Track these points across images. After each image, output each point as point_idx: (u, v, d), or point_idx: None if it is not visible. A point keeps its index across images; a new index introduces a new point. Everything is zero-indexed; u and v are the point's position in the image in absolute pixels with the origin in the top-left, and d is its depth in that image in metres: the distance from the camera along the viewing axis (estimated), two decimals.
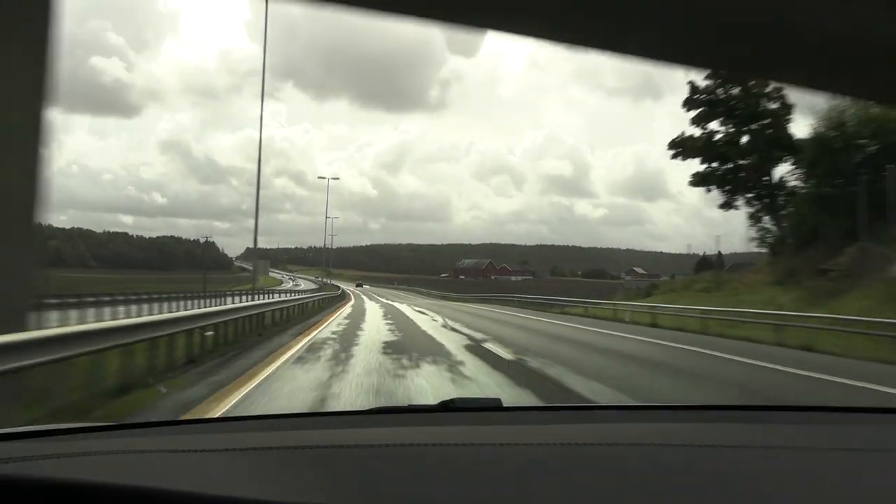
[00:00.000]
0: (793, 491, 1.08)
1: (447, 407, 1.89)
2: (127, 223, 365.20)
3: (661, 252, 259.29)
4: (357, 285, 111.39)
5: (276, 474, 1.11)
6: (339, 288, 62.70)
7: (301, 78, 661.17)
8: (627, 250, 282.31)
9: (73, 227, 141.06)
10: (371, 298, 48.89)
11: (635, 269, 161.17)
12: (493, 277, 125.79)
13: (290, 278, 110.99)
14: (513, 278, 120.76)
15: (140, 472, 1.08)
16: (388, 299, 47.61)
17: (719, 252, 61.29)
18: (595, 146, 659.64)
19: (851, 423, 1.91)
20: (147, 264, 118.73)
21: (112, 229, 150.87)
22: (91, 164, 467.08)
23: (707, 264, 52.24)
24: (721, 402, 4.01)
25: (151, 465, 1.17)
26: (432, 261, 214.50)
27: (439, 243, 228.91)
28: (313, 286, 63.89)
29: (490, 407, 1.99)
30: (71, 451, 1.18)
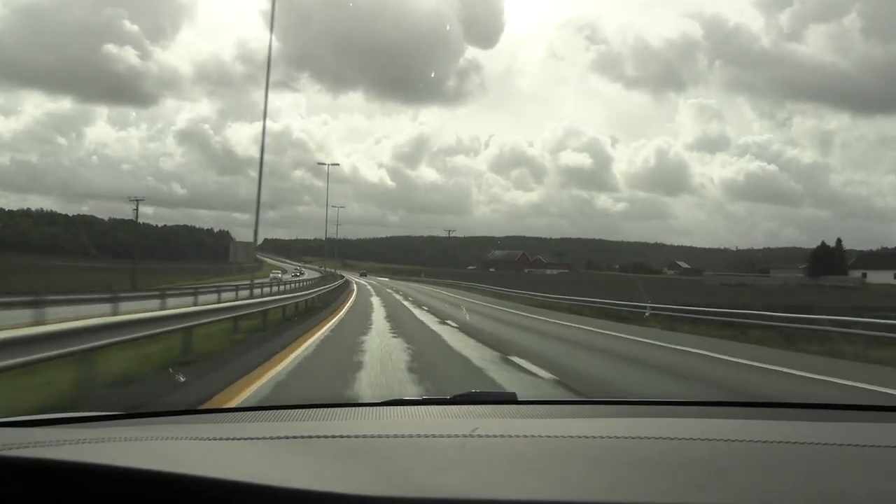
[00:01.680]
0: (796, 484, 1.09)
1: (462, 399, 1.91)
2: (147, 213, 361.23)
3: (693, 246, 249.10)
4: (361, 274, 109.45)
5: (294, 462, 1.13)
6: (342, 278, 59.44)
7: (317, 68, 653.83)
8: (656, 244, 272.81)
9: (76, 214, 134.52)
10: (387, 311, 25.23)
11: (678, 262, 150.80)
12: (526, 270, 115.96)
13: (296, 269, 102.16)
14: (548, 271, 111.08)
15: (159, 458, 1.09)
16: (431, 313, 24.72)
17: (839, 245, 51.32)
18: (615, 139, 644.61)
19: (857, 420, 1.98)
20: (153, 254, 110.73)
21: (121, 217, 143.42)
22: (111, 155, 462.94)
23: (825, 260, 42.14)
24: None
25: (170, 451, 1.19)
26: (454, 253, 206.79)
27: (461, 235, 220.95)
28: (308, 279, 57.82)
29: (505, 400, 1.99)
30: (90, 437, 1.21)
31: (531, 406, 2.11)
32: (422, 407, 1.99)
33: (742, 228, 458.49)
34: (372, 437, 1.37)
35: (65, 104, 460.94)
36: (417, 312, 24.46)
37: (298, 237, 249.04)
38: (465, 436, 1.36)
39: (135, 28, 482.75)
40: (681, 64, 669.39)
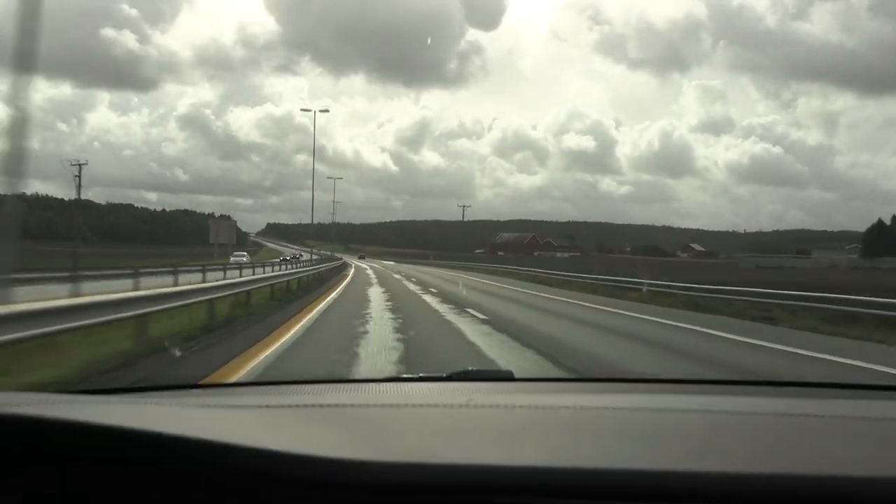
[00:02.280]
0: (799, 454, 1.10)
1: (459, 377, 1.92)
2: (151, 199, 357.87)
3: (700, 229, 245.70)
4: (360, 257, 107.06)
5: (289, 428, 1.15)
6: (339, 260, 57.07)
7: (317, 51, 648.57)
8: (664, 227, 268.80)
9: (72, 199, 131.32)
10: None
11: (692, 245, 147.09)
12: (536, 254, 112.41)
13: (294, 253, 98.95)
14: (558, 254, 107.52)
15: (153, 421, 1.09)
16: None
17: None
18: (619, 121, 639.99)
19: (851, 397, 2.01)
20: (152, 238, 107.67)
21: (128, 203, 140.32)
22: (113, 141, 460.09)
23: (881, 240, 38.49)
24: None
25: (165, 416, 1.20)
26: (460, 236, 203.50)
27: (466, 219, 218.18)
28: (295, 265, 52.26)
29: (502, 377, 2.02)
30: (87, 402, 1.26)
31: (527, 383, 2.15)
32: (419, 384, 2.00)
33: (746, 211, 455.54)
34: (367, 406, 1.41)
35: (65, 89, 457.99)
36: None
37: (302, 221, 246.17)
38: (459, 406, 1.38)
39: (133, 12, 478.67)
40: (685, 44, 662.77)
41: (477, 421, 1.29)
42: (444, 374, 2.00)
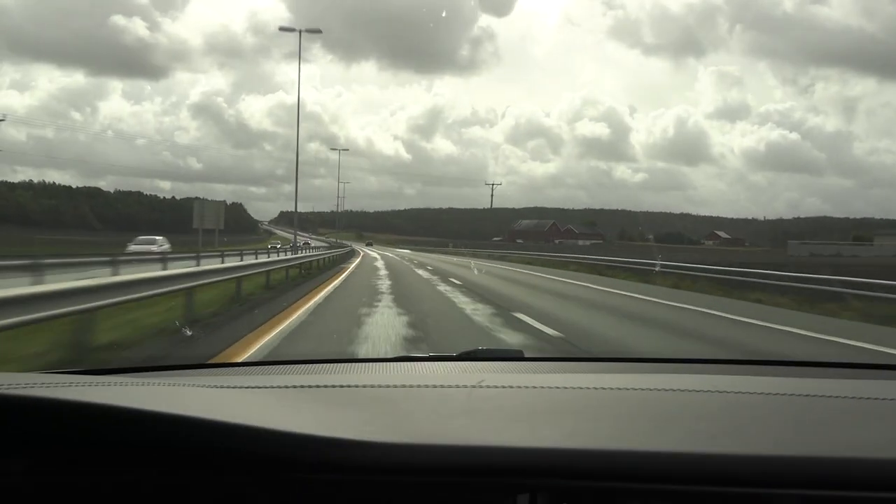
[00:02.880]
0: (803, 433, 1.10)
1: (468, 356, 1.89)
2: (165, 188, 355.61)
3: (719, 216, 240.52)
4: (367, 244, 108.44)
5: (300, 409, 1.14)
6: (347, 247, 53.90)
7: (328, 37, 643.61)
8: (682, 214, 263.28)
9: (79, 186, 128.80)
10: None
11: (717, 232, 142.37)
12: (557, 241, 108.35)
13: (304, 241, 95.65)
14: (580, 242, 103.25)
15: (165, 402, 1.09)
16: None
17: None
18: (633, 108, 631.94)
19: (867, 377, 1.97)
20: (158, 226, 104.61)
21: (137, 191, 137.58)
22: (126, 129, 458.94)
23: None
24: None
25: (177, 396, 1.19)
26: (474, 224, 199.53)
27: (480, 207, 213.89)
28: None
29: (511, 357, 2.00)
30: (98, 382, 1.22)
31: (537, 362, 2.13)
32: (429, 363, 1.97)
33: (763, 198, 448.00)
34: (378, 386, 1.39)
35: (78, 78, 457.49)
36: None
37: (315, 209, 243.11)
38: (471, 386, 1.36)
39: (143, 0, 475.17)
40: (700, 29, 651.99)
41: (490, 402, 1.27)
42: (455, 354, 1.92)
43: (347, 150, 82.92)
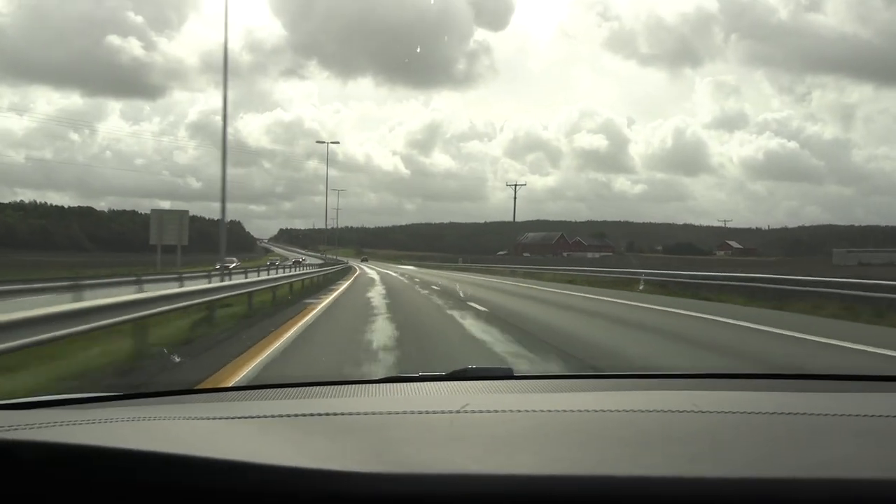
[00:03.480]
0: (802, 454, 1.10)
1: (458, 375, 1.90)
2: (165, 207, 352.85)
3: (722, 227, 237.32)
4: (362, 260, 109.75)
5: (294, 441, 1.15)
6: (340, 264, 47.03)
7: (324, 55, 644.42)
8: (685, 225, 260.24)
9: (70, 206, 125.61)
10: None
11: (729, 242, 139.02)
12: (565, 254, 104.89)
13: (297, 258, 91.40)
14: (589, 255, 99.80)
15: (159, 439, 1.11)
16: None
17: None
18: (631, 119, 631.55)
19: (856, 390, 1.98)
20: (147, 245, 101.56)
21: (131, 210, 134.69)
22: (124, 150, 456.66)
23: None
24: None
25: (170, 431, 1.20)
26: (477, 239, 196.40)
27: (481, 221, 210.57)
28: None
29: (500, 375, 1.98)
30: (88, 418, 1.23)
31: (526, 381, 2.12)
32: (418, 384, 1.99)
33: (763, 208, 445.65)
34: (365, 414, 1.39)
35: (75, 99, 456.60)
36: None
37: (315, 226, 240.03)
38: (454, 412, 1.38)
39: (139, 19, 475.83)
40: (696, 38, 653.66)
41: (474, 427, 1.28)
42: (444, 373, 1.91)
43: (338, 142, 79.87)
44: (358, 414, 1.38)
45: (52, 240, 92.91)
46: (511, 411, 1.41)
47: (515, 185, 62.09)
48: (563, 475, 0.93)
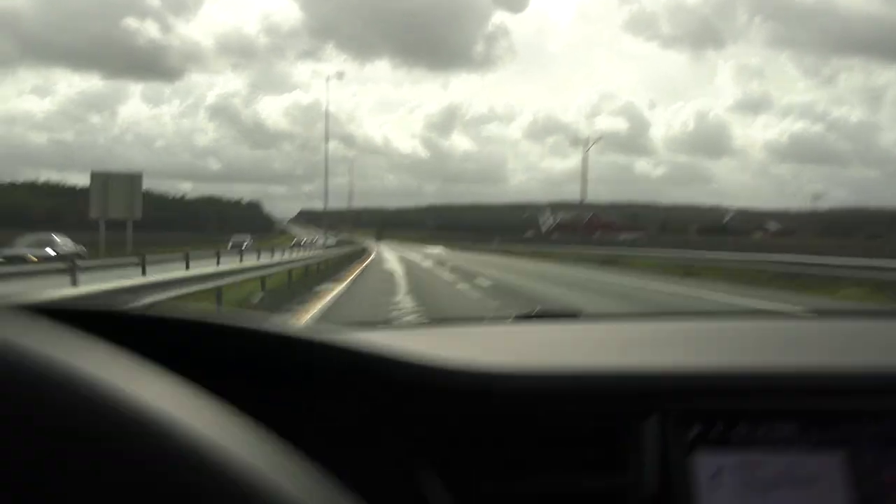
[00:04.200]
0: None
1: (526, 317, 1.93)
2: (186, 189, 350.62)
3: (751, 209, 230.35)
4: (377, 240, 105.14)
5: (434, 345, 1.12)
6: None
7: (341, 37, 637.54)
8: (711, 207, 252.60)
9: (83, 186, 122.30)
10: None
11: (768, 224, 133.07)
12: (597, 235, 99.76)
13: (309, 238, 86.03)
14: (622, 236, 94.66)
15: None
16: None
17: None
18: (652, 101, 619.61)
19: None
20: (169, 226, 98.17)
21: (145, 190, 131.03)
22: (144, 132, 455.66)
23: None
24: None
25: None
26: (499, 220, 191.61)
27: (500, 203, 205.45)
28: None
29: (570, 315, 2.03)
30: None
31: (597, 323, 2.19)
32: (488, 326, 1.96)
33: (788, 190, 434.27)
34: (482, 326, 1.43)
35: (95, 82, 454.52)
36: None
37: (334, 207, 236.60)
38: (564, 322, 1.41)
39: (156, 2, 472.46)
40: (719, 20, 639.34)
41: (591, 336, 1.24)
42: (511, 316, 1.97)
43: (343, 73, 74.29)
44: (470, 325, 1.43)
45: (62, 219, 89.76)
46: (617, 325, 1.40)
47: (588, 142, 47.69)
48: (719, 367, 0.89)
